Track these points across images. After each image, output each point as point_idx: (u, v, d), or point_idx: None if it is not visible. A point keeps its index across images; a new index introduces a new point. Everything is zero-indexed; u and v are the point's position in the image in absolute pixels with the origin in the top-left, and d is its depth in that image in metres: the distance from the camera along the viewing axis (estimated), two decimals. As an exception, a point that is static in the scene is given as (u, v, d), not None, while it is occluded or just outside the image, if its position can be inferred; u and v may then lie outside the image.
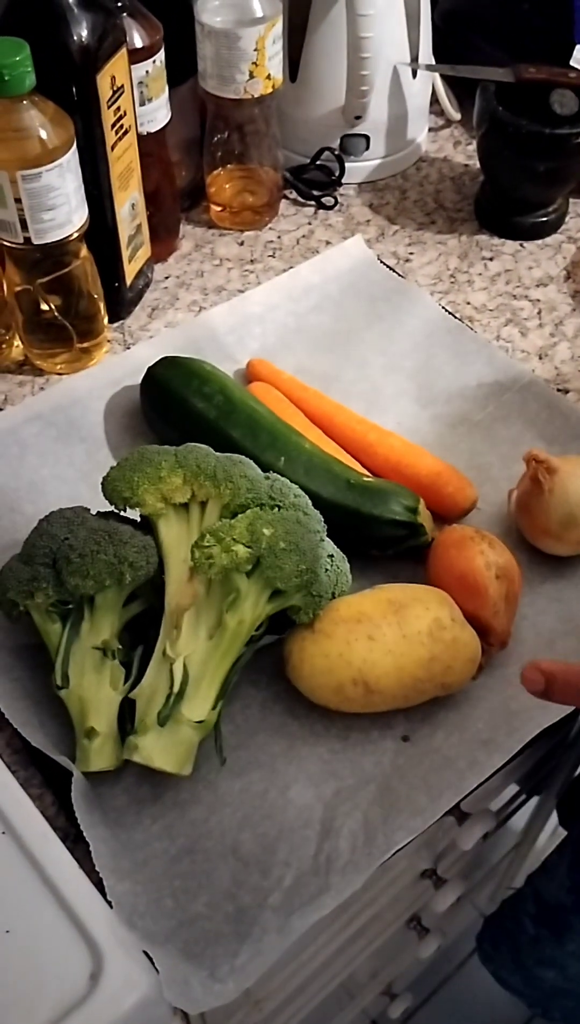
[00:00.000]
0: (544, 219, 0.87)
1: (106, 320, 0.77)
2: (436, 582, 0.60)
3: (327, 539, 0.58)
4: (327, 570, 0.56)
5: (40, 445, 0.71)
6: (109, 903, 0.50)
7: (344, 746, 0.57)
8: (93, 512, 0.60)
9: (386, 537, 0.62)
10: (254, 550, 0.53)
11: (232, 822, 0.54)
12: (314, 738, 0.57)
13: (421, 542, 0.62)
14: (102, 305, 0.75)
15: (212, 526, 0.55)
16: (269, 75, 0.79)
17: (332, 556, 0.58)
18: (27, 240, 0.67)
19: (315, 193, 0.90)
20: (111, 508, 0.60)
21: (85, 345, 0.76)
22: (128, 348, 0.78)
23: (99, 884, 0.50)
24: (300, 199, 0.91)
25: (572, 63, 0.88)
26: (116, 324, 0.80)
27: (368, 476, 0.65)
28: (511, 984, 1.03)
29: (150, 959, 0.48)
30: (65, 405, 0.73)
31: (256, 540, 0.53)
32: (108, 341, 0.78)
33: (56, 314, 0.73)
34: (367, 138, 0.89)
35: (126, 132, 0.71)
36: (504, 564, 0.60)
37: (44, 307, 0.72)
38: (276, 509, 0.56)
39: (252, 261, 0.85)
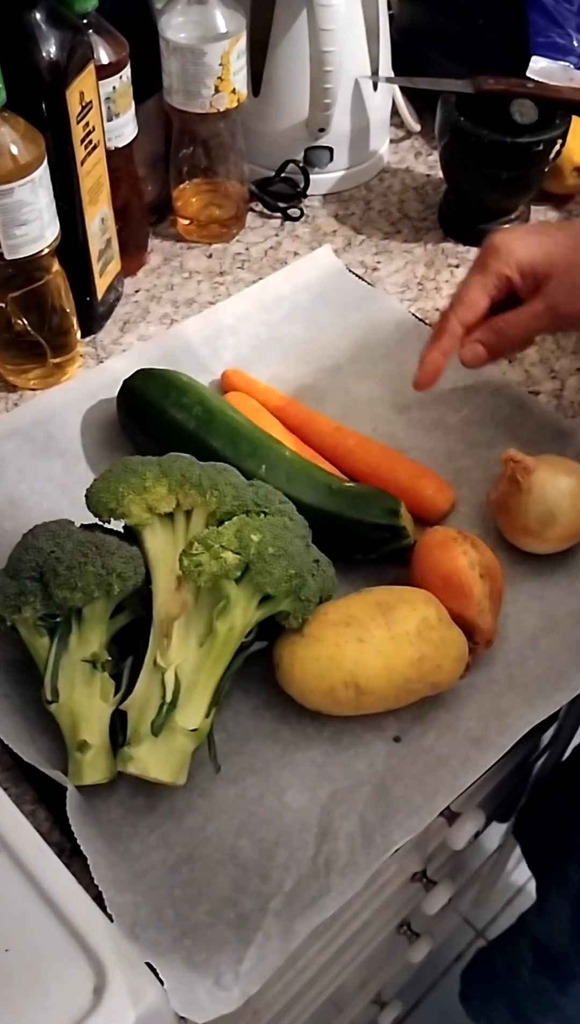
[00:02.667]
0: (507, 226, 0.88)
1: (79, 335, 0.77)
2: (421, 583, 0.60)
3: (312, 545, 0.59)
4: (314, 575, 0.57)
5: (18, 461, 0.70)
6: (109, 916, 0.50)
7: (337, 749, 0.57)
8: (77, 525, 0.60)
9: (370, 541, 0.63)
10: (243, 556, 0.53)
11: (229, 829, 0.54)
12: (307, 742, 0.57)
13: (404, 544, 0.63)
14: (74, 320, 0.75)
15: (200, 534, 0.55)
16: (234, 89, 0.80)
17: (318, 561, 0.58)
18: None
19: (281, 205, 0.91)
20: (94, 521, 0.60)
21: (58, 360, 0.76)
22: (101, 362, 0.78)
23: (98, 898, 0.50)
24: (266, 211, 0.91)
25: (528, 74, 0.90)
26: (88, 339, 0.80)
27: (349, 482, 0.66)
28: None
29: (154, 970, 0.48)
30: (42, 420, 0.72)
31: (244, 546, 0.54)
32: (81, 356, 0.78)
33: (29, 329, 0.73)
34: (331, 150, 0.90)
35: (95, 147, 0.72)
36: (487, 563, 0.60)
37: (16, 323, 0.72)
38: (262, 515, 0.56)
39: (221, 273, 0.86)
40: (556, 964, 0.88)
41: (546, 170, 0.85)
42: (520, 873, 1.43)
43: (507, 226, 0.70)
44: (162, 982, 0.48)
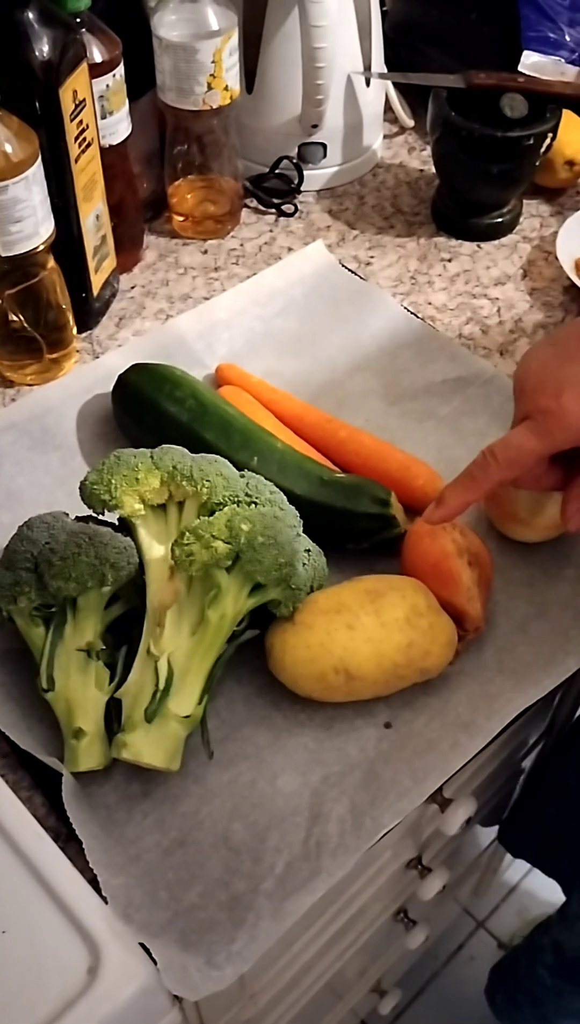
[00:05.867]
0: (499, 220, 0.89)
1: (74, 330, 0.78)
2: (411, 572, 0.61)
3: (303, 534, 0.59)
4: (305, 564, 0.58)
5: (15, 454, 0.71)
6: (104, 898, 0.51)
7: (328, 735, 0.58)
8: (71, 517, 0.61)
9: (360, 530, 0.64)
10: (233, 545, 0.54)
11: (222, 813, 0.55)
12: (299, 728, 0.58)
13: (394, 534, 0.64)
14: (70, 316, 0.76)
15: (191, 524, 0.56)
16: (227, 86, 0.81)
17: (309, 551, 0.59)
18: (-5, 252, 0.68)
19: (275, 201, 0.92)
20: (89, 513, 0.61)
21: (55, 355, 0.77)
22: (97, 357, 0.79)
23: (93, 881, 0.51)
24: (261, 207, 0.92)
25: (520, 68, 0.91)
26: (84, 334, 0.81)
27: (340, 472, 0.67)
28: None
29: (147, 950, 0.49)
30: (38, 414, 0.73)
31: (235, 536, 0.54)
32: (77, 351, 0.79)
33: (25, 325, 0.74)
34: (324, 146, 0.91)
35: (89, 145, 0.73)
36: (476, 551, 0.61)
37: (12, 319, 0.73)
38: (253, 505, 0.57)
39: (216, 269, 0.87)
40: (576, 967, 0.89)
41: (537, 164, 0.86)
42: (522, 863, 1.44)
43: (548, 349, 0.58)
44: (155, 962, 0.49)
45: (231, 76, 0.81)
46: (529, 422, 0.56)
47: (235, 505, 0.57)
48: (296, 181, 0.92)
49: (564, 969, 0.91)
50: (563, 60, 0.92)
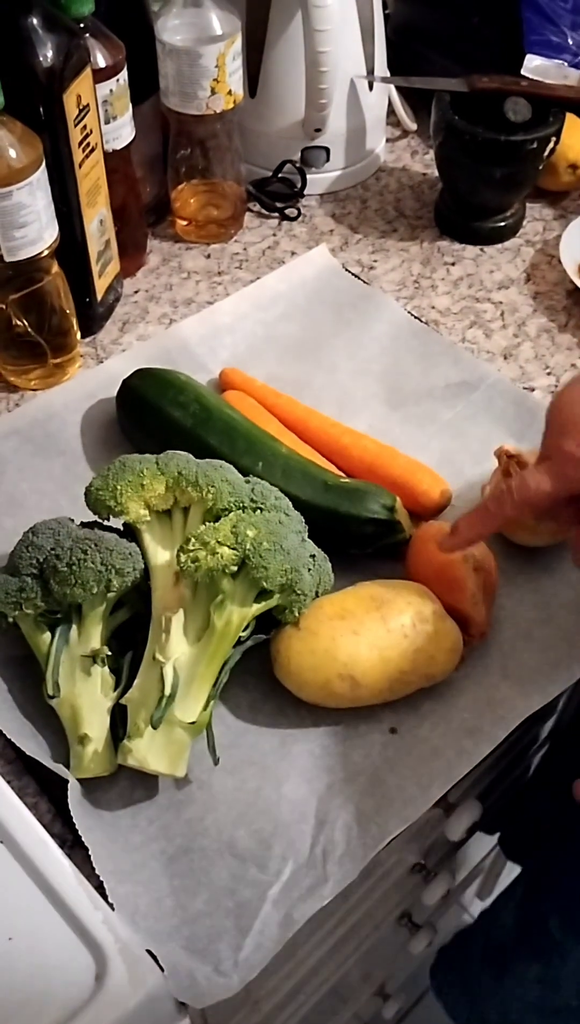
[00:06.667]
0: (503, 224, 0.89)
1: (78, 335, 0.78)
2: (415, 577, 0.61)
3: (308, 540, 0.59)
4: (310, 570, 0.58)
5: (18, 460, 0.71)
6: (110, 905, 0.51)
7: (334, 741, 0.58)
8: (76, 523, 0.61)
9: (365, 535, 0.64)
10: (239, 551, 0.54)
11: (228, 820, 0.55)
12: (304, 734, 0.58)
13: (399, 539, 0.64)
14: (74, 320, 0.76)
15: (196, 530, 0.56)
16: (230, 91, 0.81)
17: (314, 556, 0.59)
18: (-1, 258, 0.68)
19: (278, 205, 0.92)
20: (94, 519, 0.61)
21: (58, 360, 0.77)
22: (101, 362, 0.79)
23: (99, 887, 0.51)
24: (264, 211, 0.92)
25: (523, 72, 0.91)
26: (88, 339, 0.81)
27: (344, 477, 0.67)
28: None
29: (154, 958, 0.49)
30: (42, 420, 0.73)
31: (240, 541, 0.54)
32: (81, 356, 0.79)
33: (29, 330, 0.73)
34: (327, 150, 0.91)
35: (93, 150, 0.73)
36: (481, 556, 0.61)
37: (16, 323, 0.73)
38: (258, 511, 0.57)
39: (219, 273, 0.87)
40: (498, 953, 0.89)
41: (540, 167, 0.86)
42: (524, 866, 1.44)
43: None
44: (162, 969, 0.49)
45: (234, 80, 0.81)
46: (549, 463, 0.55)
47: (240, 511, 0.57)
48: (299, 185, 0.92)
49: (488, 953, 0.90)
50: (566, 64, 0.92)
